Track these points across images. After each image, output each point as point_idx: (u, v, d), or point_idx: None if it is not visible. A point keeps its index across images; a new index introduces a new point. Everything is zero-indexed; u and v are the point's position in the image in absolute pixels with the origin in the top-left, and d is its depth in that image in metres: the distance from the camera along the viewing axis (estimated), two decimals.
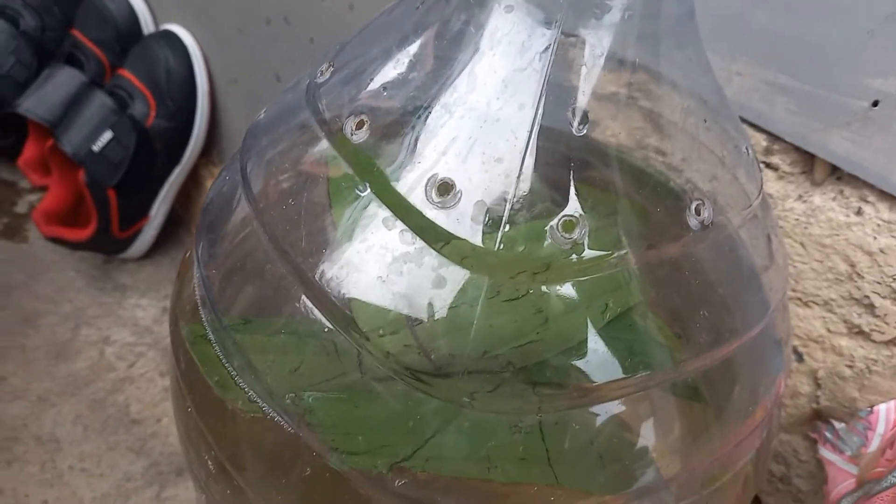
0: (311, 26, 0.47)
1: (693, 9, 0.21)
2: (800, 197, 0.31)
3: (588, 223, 0.18)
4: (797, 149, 0.30)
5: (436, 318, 0.19)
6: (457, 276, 0.19)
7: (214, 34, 0.55)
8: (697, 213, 0.19)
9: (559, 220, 0.18)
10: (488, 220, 0.18)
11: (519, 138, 0.18)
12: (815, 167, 0.30)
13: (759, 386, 0.24)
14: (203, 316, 0.23)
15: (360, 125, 0.20)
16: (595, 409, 0.21)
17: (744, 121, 0.31)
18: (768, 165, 0.31)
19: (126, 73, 0.55)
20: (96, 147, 0.52)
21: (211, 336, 0.22)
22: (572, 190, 0.19)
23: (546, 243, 0.18)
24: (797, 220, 0.31)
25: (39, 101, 0.54)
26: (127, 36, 0.58)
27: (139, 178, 0.55)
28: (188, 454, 0.25)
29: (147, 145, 0.55)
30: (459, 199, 0.18)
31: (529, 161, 0.18)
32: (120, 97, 0.55)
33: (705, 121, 0.20)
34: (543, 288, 0.20)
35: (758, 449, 0.24)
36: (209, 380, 0.22)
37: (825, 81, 0.28)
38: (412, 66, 0.20)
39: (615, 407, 0.21)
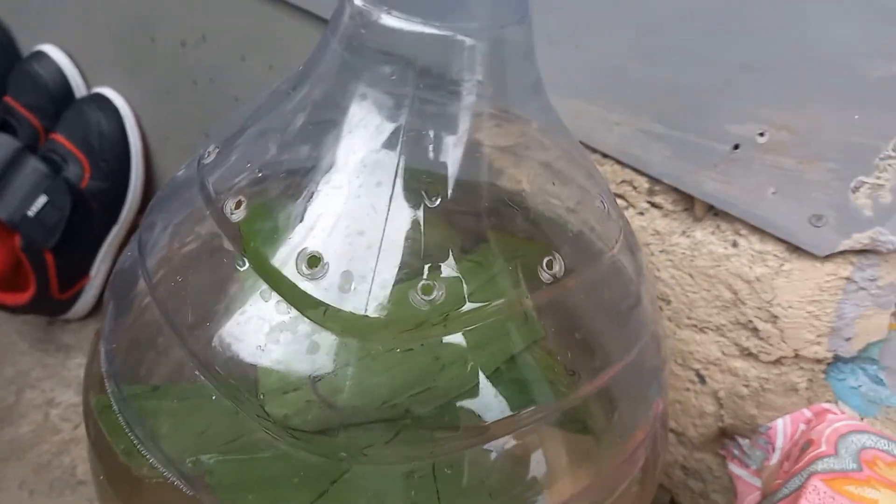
0: (233, 86, 0.49)
1: (539, 79, 0.23)
2: (684, 232, 0.33)
3: (444, 286, 0.20)
4: (677, 189, 0.32)
5: (334, 376, 0.21)
6: (331, 339, 0.20)
7: (144, 95, 0.56)
8: (549, 267, 0.21)
9: (420, 285, 0.20)
10: (354, 287, 0.20)
11: (378, 212, 0.20)
12: (694, 205, 0.33)
13: (637, 410, 0.26)
14: (108, 387, 0.24)
15: (238, 205, 0.21)
16: (486, 447, 0.23)
17: (626, 165, 0.33)
18: (653, 205, 0.34)
19: (59, 137, 0.56)
20: (31, 212, 0.53)
21: (115, 406, 0.23)
22: (429, 252, 0.20)
23: (409, 305, 0.20)
24: (683, 253, 0.33)
25: None
26: (59, 100, 0.59)
27: (77, 240, 0.56)
28: None
29: (83, 207, 0.56)
30: (327, 270, 0.20)
31: (390, 232, 0.20)
32: (53, 161, 0.56)
33: (553, 183, 0.22)
34: (441, 337, 0.22)
35: (643, 468, 0.26)
36: (116, 448, 0.23)
37: (692, 128, 0.30)
38: (283, 147, 0.21)
39: (505, 444, 0.23)
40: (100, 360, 0.25)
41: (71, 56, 0.60)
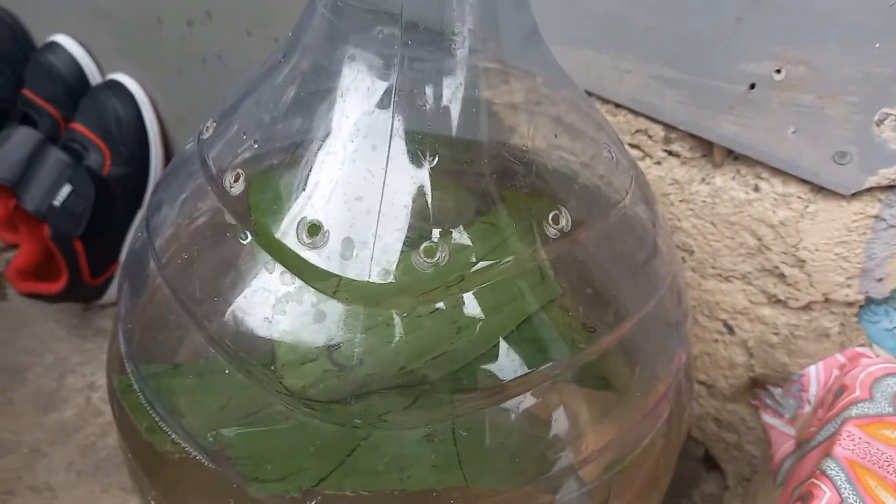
0: (242, 62, 0.48)
1: (535, 28, 0.22)
2: (703, 180, 0.32)
3: (447, 247, 0.20)
4: (693, 135, 0.31)
5: (349, 345, 0.21)
6: (343, 308, 0.20)
7: (157, 78, 0.56)
8: (555, 222, 0.21)
9: (423, 247, 0.20)
10: (356, 254, 0.20)
11: (375, 176, 0.20)
12: (713, 150, 0.31)
13: (657, 363, 0.25)
14: (127, 367, 0.24)
15: (236, 178, 0.21)
16: (505, 406, 0.23)
17: (640, 114, 0.32)
18: (671, 153, 0.33)
19: (78, 126, 0.57)
20: (57, 201, 0.54)
21: (136, 385, 0.24)
22: (431, 213, 0.20)
23: (413, 269, 0.20)
24: (704, 201, 0.32)
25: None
26: (76, 89, 0.60)
27: (103, 226, 0.57)
28: (138, 494, 0.27)
29: (106, 193, 0.56)
30: (328, 238, 0.20)
31: (389, 195, 0.20)
32: (74, 150, 0.56)
33: (556, 136, 0.21)
34: (455, 299, 0.22)
35: (667, 421, 0.26)
36: (139, 426, 0.24)
37: (705, 70, 0.29)
38: (277, 118, 0.21)
39: (524, 402, 0.23)
40: (118, 341, 0.25)
41: (83, 44, 0.61)
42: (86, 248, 0.56)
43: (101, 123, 0.56)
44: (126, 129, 0.57)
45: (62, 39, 0.61)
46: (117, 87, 0.57)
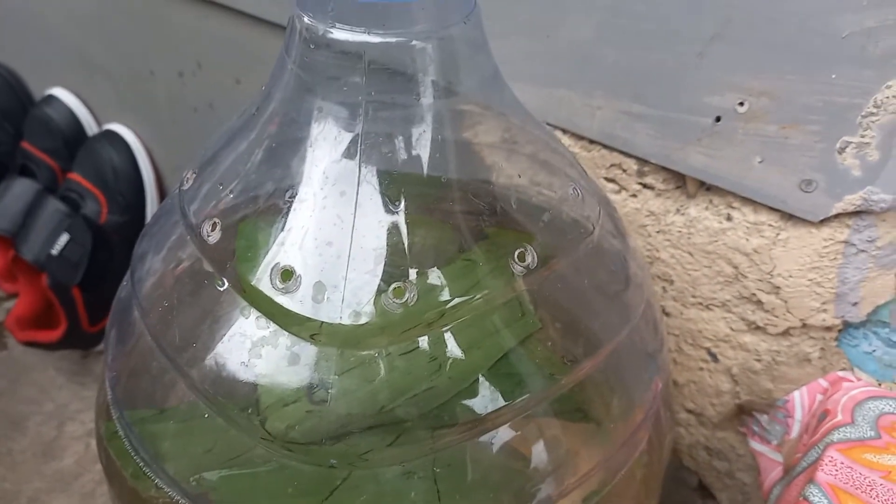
0: (232, 109, 0.49)
1: (497, 71, 0.23)
2: (678, 210, 0.33)
3: (416, 287, 0.20)
4: (666, 168, 0.32)
5: (326, 384, 0.21)
6: (312, 350, 0.21)
7: (151, 127, 0.58)
8: (521, 259, 0.21)
9: (392, 288, 0.20)
10: (327, 297, 0.20)
11: (345, 221, 0.20)
12: (686, 182, 0.32)
13: (634, 391, 0.26)
14: (113, 413, 0.25)
15: (213, 227, 0.22)
16: (484, 440, 0.23)
17: (613, 149, 0.33)
18: (645, 186, 0.33)
19: (75, 177, 0.58)
20: (55, 250, 0.55)
21: (121, 431, 0.24)
22: (407, 254, 0.21)
23: (382, 310, 0.20)
24: (680, 231, 0.33)
25: None
26: (73, 140, 0.61)
27: (101, 273, 0.58)
28: None
29: (104, 241, 0.57)
30: (300, 283, 0.20)
31: (358, 239, 0.20)
32: (72, 199, 0.57)
33: (519, 176, 0.22)
34: (435, 336, 0.22)
35: (647, 450, 0.26)
36: (124, 472, 0.24)
37: (672, 105, 0.30)
38: (252, 168, 0.22)
39: (502, 436, 0.23)
40: (105, 389, 0.26)
41: (80, 97, 0.62)
42: (84, 295, 0.57)
43: (97, 173, 0.58)
44: (122, 178, 0.58)
45: (59, 93, 0.62)
46: (113, 137, 0.58)
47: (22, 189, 0.58)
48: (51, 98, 0.62)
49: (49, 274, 0.55)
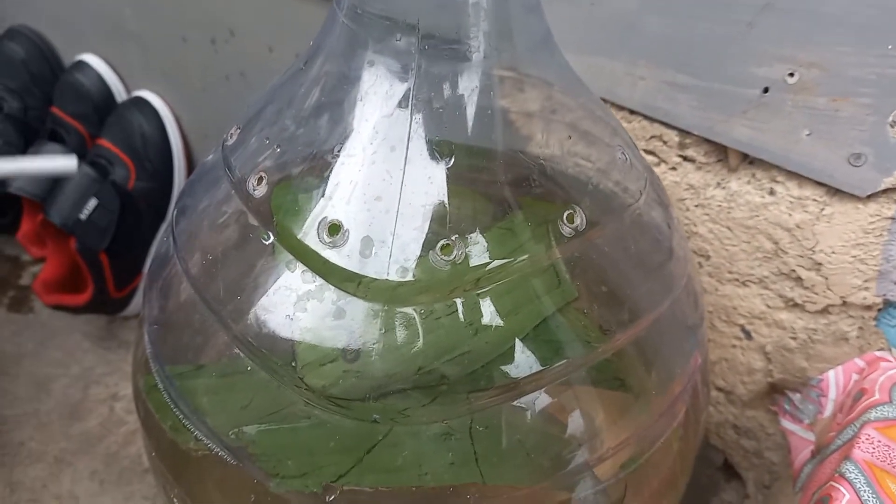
0: (264, 78, 0.49)
1: (549, 34, 0.22)
2: (718, 184, 0.32)
3: (464, 245, 0.20)
4: (708, 140, 0.32)
5: (369, 345, 0.21)
6: (363, 307, 0.21)
7: (181, 95, 0.58)
8: (570, 220, 0.21)
9: (440, 244, 0.20)
10: (374, 252, 0.20)
11: (394, 177, 0.20)
12: (728, 155, 0.32)
13: (673, 363, 0.25)
14: (152, 367, 0.25)
15: (259, 181, 0.22)
16: (521, 404, 0.23)
17: (654, 120, 0.33)
18: (686, 158, 0.33)
19: (104, 142, 0.58)
20: (83, 215, 0.55)
21: (160, 385, 0.24)
22: (448, 216, 0.20)
23: (430, 267, 0.20)
24: (720, 206, 0.33)
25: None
26: (102, 106, 0.61)
27: (128, 239, 0.58)
28: (161, 494, 0.27)
29: (131, 207, 0.58)
30: (348, 237, 0.20)
31: (407, 195, 0.20)
32: (101, 165, 0.58)
33: (570, 137, 0.22)
34: (472, 300, 0.22)
35: (683, 423, 0.26)
36: (163, 425, 0.24)
37: (718, 75, 0.30)
38: (299, 123, 0.22)
39: (539, 400, 0.23)
40: (144, 343, 0.26)
41: (110, 63, 0.62)
42: (111, 260, 0.58)
43: (126, 140, 0.58)
44: (151, 145, 0.58)
45: (90, 59, 0.62)
46: (143, 104, 0.59)
47: (51, 154, 0.59)
48: (81, 64, 0.62)
49: (77, 238, 0.56)
